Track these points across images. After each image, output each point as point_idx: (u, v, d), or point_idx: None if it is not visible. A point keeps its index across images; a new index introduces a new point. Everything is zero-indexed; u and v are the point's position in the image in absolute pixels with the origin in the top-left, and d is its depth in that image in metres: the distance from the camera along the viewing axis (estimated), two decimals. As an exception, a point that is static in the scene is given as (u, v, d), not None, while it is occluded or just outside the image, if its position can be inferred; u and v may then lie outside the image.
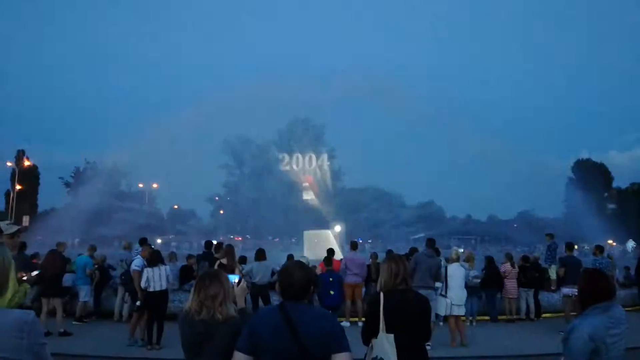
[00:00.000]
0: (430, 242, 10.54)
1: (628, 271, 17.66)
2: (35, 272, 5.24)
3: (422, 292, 5.48)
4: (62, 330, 10.47)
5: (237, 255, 13.27)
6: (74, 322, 11.84)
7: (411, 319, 3.83)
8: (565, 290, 11.56)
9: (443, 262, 11.20)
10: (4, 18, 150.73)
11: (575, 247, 14.41)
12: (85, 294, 12.25)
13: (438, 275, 9.86)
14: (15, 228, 4.84)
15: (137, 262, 10.11)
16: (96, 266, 12.80)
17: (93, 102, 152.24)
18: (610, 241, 56.33)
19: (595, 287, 3.35)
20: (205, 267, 11.67)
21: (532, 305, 13.37)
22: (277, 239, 69.20)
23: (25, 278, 4.48)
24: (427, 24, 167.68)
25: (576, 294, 9.31)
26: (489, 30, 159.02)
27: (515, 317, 13.08)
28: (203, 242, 14.46)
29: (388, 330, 3.75)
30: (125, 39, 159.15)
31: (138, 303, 9.87)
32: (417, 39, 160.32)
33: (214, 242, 13.53)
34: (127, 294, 11.56)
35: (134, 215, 51.56)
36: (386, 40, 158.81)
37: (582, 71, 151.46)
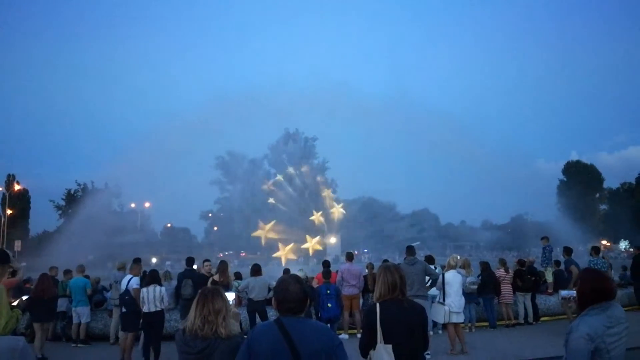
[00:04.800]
0: (410, 250, 10.38)
1: (625, 271, 17.74)
2: (25, 297, 5.16)
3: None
4: (40, 355, 10.31)
5: (232, 271, 13.18)
6: (79, 345, 11.80)
7: (408, 329, 3.79)
8: (563, 292, 11.58)
9: (439, 270, 11.16)
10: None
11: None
12: (86, 316, 12.13)
13: (430, 275, 9.71)
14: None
15: (135, 280, 10.08)
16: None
17: (82, 124, 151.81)
18: (604, 242, 56.60)
19: (595, 287, 3.30)
20: (189, 285, 11.52)
21: (530, 310, 13.35)
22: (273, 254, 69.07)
23: (15, 303, 4.41)
24: (412, 34, 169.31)
25: (574, 296, 9.31)
26: (476, 36, 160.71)
27: (513, 321, 13.05)
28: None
29: (386, 341, 3.72)
30: (111, 59, 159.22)
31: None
32: (402, 50, 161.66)
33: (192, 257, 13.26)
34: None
35: (127, 235, 51.25)
36: (373, 53, 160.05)
37: (569, 74, 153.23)
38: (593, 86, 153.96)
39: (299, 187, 68.41)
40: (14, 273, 10.30)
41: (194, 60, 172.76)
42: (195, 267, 13.39)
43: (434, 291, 10.51)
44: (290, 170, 67.81)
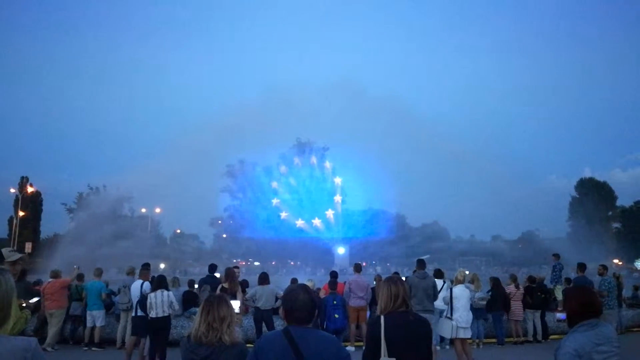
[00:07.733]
0: (421, 264, 10.43)
1: (636, 290, 17.46)
2: (35, 299, 5.21)
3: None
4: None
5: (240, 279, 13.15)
6: (93, 349, 11.86)
7: (412, 342, 3.78)
8: (559, 315, 11.43)
9: (447, 284, 11.09)
10: (11, 50, 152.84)
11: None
12: (101, 320, 12.19)
13: (435, 295, 9.71)
14: (17, 256, 4.86)
15: (147, 285, 10.20)
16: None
17: (97, 129, 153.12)
18: (616, 260, 55.81)
19: (580, 304, 3.34)
20: (207, 291, 11.55)
21: (539, 327, 13.20)
22: (277, 263, 68.95)
23: (24, 305, 4.46)
24: (426, 47, 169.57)
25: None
26: (488, 48, 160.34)
27: (522, 339, 12.91)
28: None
29: (389, 354, 3.70)
30: (127, 65, 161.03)
31: None
32: (416, 61, 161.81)
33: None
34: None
35: (137, 240, 51.40)
36: (387, 64, 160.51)
37: (583, 88, 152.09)
38: (607, 102, 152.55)
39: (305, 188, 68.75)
40: (23, 272, 10.48)
41: (207, 68, 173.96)
42: (217, 275, 13.41)
43: (442, 306, 10.44)
44: (296, 159, 68.03)
